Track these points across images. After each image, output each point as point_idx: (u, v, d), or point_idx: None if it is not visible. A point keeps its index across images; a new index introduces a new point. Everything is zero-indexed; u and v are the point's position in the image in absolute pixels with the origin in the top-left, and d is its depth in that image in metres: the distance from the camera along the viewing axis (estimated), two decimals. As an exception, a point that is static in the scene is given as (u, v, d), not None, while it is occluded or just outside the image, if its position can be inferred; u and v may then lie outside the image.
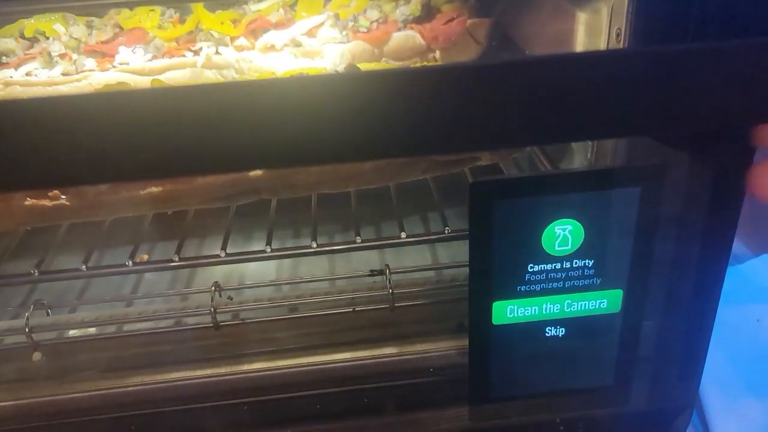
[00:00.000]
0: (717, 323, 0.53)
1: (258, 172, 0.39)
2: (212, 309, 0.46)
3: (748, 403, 0.46)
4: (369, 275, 0.49)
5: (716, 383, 0.48)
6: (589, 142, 0.38)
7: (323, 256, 0.54)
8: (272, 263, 0.54)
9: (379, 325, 0.47)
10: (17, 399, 0.43)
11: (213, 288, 0.46)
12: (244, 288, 0.49)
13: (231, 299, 0.47)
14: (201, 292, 0.47)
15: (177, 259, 0.40)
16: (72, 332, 0.47)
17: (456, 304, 0.45)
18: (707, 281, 0.35)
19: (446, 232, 0.40)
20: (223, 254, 0.41)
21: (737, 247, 0.66)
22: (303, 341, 0.46)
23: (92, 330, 0.47)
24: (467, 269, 0.33)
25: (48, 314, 0.48)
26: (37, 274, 0.44)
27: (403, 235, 0.41)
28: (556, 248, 0.33)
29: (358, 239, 0.41)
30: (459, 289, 0.46)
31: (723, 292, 0.57)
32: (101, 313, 0.47)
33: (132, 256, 0.45)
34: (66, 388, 0.44)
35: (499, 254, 0.33)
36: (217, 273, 0.52)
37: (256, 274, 0.53)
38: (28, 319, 0.45)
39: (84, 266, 0.44)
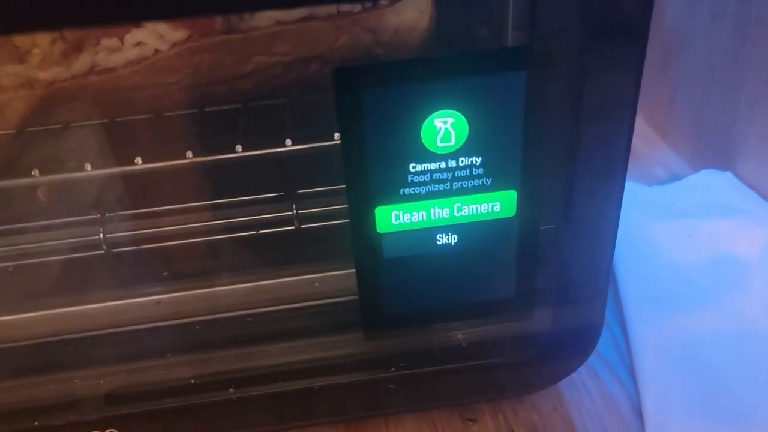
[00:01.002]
0: (647, 238, 0.52)
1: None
2: (102, 235, 0.42)
3: (671, 317, 0.45)
4: (274, 196, 0.45)
5: (640, 298, 0.46)
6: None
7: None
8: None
9: (285, 248, 0.44)
10: None
11: (103, 214, 0.43)
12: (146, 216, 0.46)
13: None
14: (88, 219, 0.44)
15: (37, 173, 0.37)
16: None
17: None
18: (606, 178, 0.32)
19: (335, 137, 0.36)
20: (89, 167, 0.37)
21: (676, 163, 0.64)
22: (203, 267, 0.44)
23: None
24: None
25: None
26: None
27: (289, 142, 0.38)
28: (439, 144, 0.30)
29: (239, 147, 0.37)
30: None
31: (658, 208, 0.55)
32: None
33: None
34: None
35: (376, 153, 0.30)
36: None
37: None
38: None
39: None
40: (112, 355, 0.40)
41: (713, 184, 0.56)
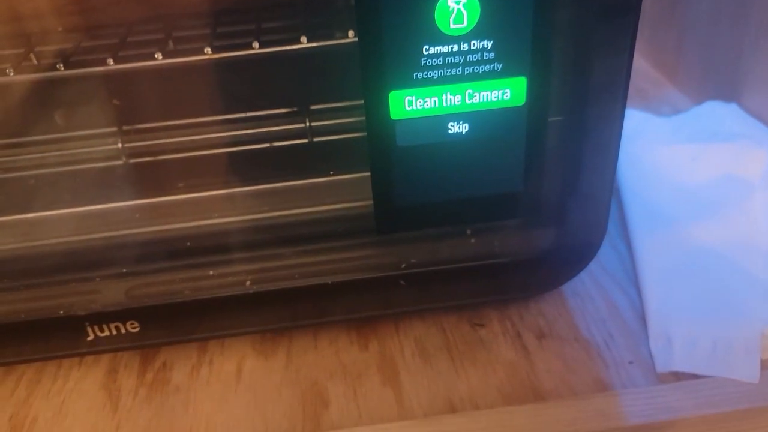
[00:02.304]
0: (652, 162, 0.53)
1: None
2: (120, 145, 0.44)
3: (674, 230, 0.46)
4: (288, 111, 0.46)
5: (644, 214, 0.47)
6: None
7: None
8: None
9: (298, 160, 0.45)
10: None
11: (120, 126, 0.44)
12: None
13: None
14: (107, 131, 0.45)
15: (61, 67, 0.38)
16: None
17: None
18: (612, 70, 0.33)
19: (350, 36, 0.37)
20: (112, 62, 0.38)
21: (679, 97, 0.65)
22: (219, 179, 0.45)
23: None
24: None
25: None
26: None
27: (304, 39, 0.39)
28: (452, 26, 0.31)
29: (256, 44, 0.38)
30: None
31: (663, 135, 0.56)
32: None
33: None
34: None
35: (390, 34, 0.31)
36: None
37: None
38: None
39: None
40: (133, 255, 0.41)
41: (718, 114, 0.56)
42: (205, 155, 0.45)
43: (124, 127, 0.45)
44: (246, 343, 0.43)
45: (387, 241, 0.39)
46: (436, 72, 0.32)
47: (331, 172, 0.42)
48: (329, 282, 0.39)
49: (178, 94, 0.46)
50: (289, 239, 0.41)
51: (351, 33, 0.37)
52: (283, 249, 0.41)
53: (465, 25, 0.31)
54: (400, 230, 0.38)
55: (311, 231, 0.41)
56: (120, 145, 0.44)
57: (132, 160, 0.44)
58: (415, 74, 0.32)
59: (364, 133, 0.44)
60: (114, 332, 0.39)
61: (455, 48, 0.32)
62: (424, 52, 0.32)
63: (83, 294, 0.40)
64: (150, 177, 0.45)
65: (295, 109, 0.46)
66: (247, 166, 0.45)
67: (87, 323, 0.39)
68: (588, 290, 0.45)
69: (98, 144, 0.45)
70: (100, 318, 0.39)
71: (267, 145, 0.45)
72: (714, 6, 0.61)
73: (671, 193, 0.49)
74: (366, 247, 0.40)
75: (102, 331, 0.39)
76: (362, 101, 0.46)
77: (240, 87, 0.47)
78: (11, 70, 0.37)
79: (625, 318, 0.43)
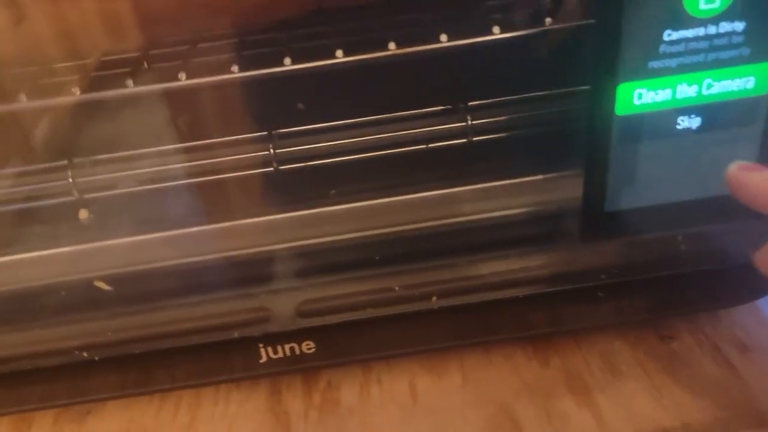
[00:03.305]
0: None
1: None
2: (272, 150, 0.41)
3: None
4: (443, 109, 0.43)
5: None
6: None
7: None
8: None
9: (458, 162, 0.42)
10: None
11: (271, 131, 0.41)
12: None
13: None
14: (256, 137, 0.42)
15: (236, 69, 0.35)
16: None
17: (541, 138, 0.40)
18: None
19: (546, 24, 0.34)
20: (235, 69, 0.35)
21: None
22: (372, 182, 0.42)
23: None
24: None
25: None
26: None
27: (497, 29, 0.35)
28: (701, 6, 0.27)
29: (444, 37, 0.35)
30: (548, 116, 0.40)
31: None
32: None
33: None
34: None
35: (630, 19, 0.27)
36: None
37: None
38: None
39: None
40: (301, 268, 0.38)
41: None
42: (358, 159, 0.42)
43: (275, 132, 0.42)
44: (412, 360, 0.40)
45: (585, 248, 0.35)
46: (674, 60, 0.29)
47: (533, 174, 0.38)
48: (521, 296, 0.35)
49: (326, 96, 0.43)
50: (475, 247, 0.38)
51: (548, 21, 0.34)
52: (467, 258, 0.37)
53: (717, 5, 0.27)
54: (609, 237, 0.34)
55: (501, 238, 0.38)
56: (271, 150, 0.41)
57: (283, 167, 0.41)
58: (650, 63, 0.29)
59: (532, 130, 0.41)
60: (288, 353, 0.36)
61: (701, 32, 0.28)
62: (665, 38, 0.28)
63: (250, 312, 0.37)
64: (301, 184, 0.42)
65: (450, 107, 0.43)
66: (404, 170, 0.42)
67: (260, 344, 0.36)
68: (785, 296, 0.41)
69: (247, 151, 0.42)
70: (275, 339, 0.36)
71: (423, 146, 0.42)
72: None
73: None
74: (563, 254, 0.37)
75: (276, 352, 0.36)
76: (526, 95, 0.43)
77: (393, 89, 0.44)
78: (183, 74, 0.34)
79: (837, 326, 0.39)
